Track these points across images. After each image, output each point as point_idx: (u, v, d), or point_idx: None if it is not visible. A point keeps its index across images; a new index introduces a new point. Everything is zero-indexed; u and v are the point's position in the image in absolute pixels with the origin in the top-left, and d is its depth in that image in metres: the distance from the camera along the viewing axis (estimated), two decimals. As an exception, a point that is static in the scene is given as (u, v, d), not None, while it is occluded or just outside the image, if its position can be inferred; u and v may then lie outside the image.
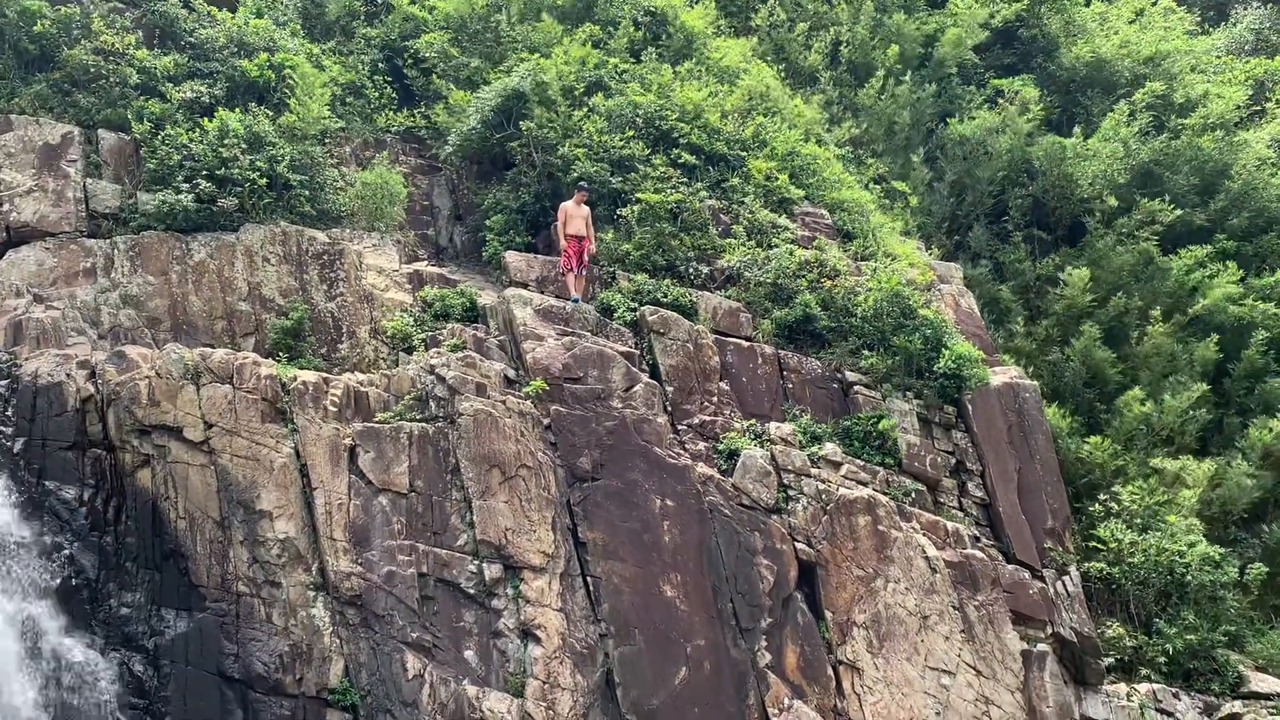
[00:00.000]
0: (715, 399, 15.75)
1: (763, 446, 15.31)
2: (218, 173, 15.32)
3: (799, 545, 14.84)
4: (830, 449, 15.62)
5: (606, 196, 17.22)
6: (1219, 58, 25.61)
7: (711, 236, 17.19)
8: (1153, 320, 19.86)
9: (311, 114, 16.30)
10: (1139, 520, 17.02)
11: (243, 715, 12.67)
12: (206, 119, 15.92)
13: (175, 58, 16.85)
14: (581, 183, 16.73)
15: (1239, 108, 23.36)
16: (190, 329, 14.94)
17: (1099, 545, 16.93)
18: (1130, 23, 25.39)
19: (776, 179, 18.24)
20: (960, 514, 16.28)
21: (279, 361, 14.52)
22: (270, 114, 16.44)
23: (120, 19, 16.99)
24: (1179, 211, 21.04)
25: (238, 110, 16.17)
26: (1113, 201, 21.07)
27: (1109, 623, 16.50)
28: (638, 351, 15.70)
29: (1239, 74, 24.72)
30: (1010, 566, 15.93)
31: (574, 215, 16.21)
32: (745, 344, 16.35)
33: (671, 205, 16.97)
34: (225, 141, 15.46)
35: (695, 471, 14.79)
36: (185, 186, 15.22)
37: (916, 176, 21.57)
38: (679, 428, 15.37)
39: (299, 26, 19.18)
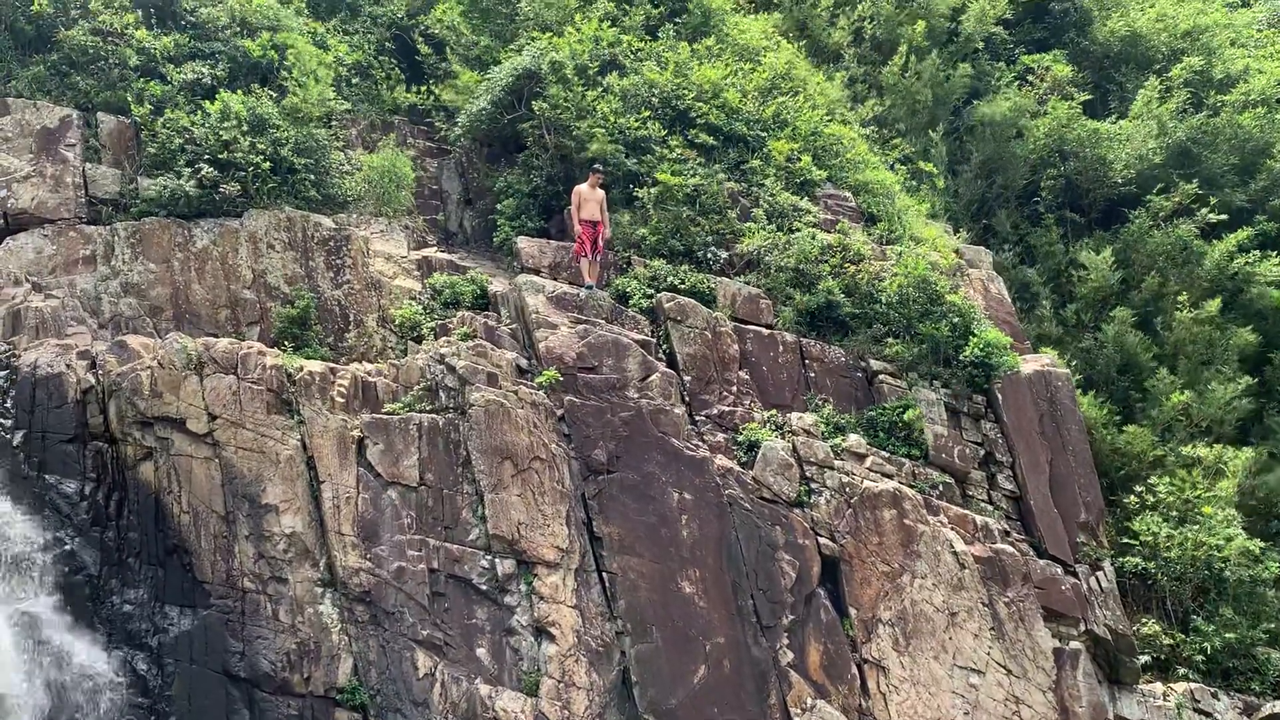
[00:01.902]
0: (735, 389, 15.32)
1: (784, 438, 14.89)
2: (220, 157, 14.93)
3: (822, 540, 14.43)
4: (854, 440, 15.16)
5: (622, 179, 16.73)
6: (1260, 31, 24.78)
7: (730, 220, 16.70)
8: (1186, 306, 19.11)
9: (312, 95, 15.83)
10: (1175, 513, 16.45)
11: (249, 715, 12.43)
12: (208, 101, 15.51)
13: (176, 38, 16.43)
14: (596, 165, 16.25)
15: (1280, 83, 22.50)
16: (193, 318, 14.62)
17: (1134, 539, 16.40)
18: (1167, -5, 24.48)
19: (798, 160, 17.68)
20: (989, 507, 15.84)
21: (284, 351, 14.20)
22: (274, 95, 16.00)
23: (119, -2, 16.58)
24: (1224, 213, 20.20)
25: (240, 92, 15.74)
26: (1154, 197, 20.29)
27: (1144, 619, 16.02)
28: (654, 340, 15.29)
29: (1280, 48, 23.89)
30: (1041, 561, 15.48)
31: (588, 199, 15.76)
32: (765, 332, 15.90)
33: (689, 188, 16.51)
34: (227, 124, 15.03)
35: (714, 464, 14.39)
36: (187, 171, 14.85)
37: (936, 155, 20.84)
38: (697, 418, 14.95)
39: (304, 4, 18.68)
